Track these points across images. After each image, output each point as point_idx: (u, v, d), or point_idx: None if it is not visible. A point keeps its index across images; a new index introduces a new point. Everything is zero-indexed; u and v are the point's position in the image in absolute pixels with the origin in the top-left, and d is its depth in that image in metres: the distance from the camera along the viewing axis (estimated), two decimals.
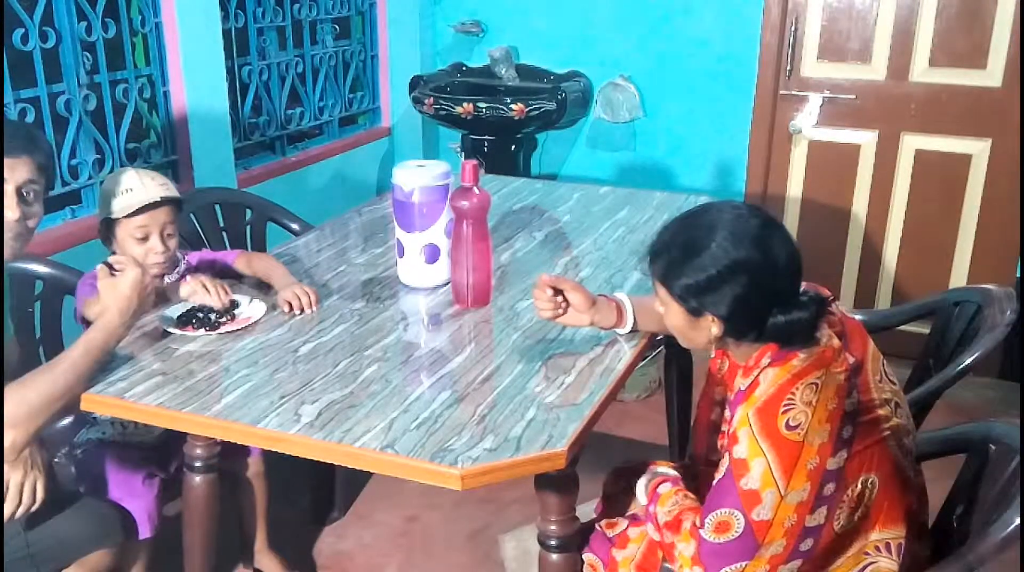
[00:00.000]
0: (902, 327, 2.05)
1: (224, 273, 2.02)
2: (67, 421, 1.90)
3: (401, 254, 1.99)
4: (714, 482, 1.34)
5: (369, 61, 3.88)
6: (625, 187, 2.94)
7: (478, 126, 3.51)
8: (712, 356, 1.56)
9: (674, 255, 1.35)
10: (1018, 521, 1.23)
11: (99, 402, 1.54)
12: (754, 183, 3.51)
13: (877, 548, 1.37)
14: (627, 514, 1.66)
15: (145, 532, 1.83)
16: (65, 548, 1.66)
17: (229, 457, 1.90)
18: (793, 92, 3.37)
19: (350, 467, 1.42)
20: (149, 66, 2.82)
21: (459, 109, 3.45)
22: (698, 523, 1.34)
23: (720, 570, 1.31)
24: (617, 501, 1.72)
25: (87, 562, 1.70)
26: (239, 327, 1.78)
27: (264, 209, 2.71)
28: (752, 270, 1.30)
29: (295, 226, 2.65)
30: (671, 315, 1.41)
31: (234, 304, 1.85)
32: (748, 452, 1.28)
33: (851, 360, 1.34)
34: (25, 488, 1.51)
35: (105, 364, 1.58)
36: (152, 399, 1.51)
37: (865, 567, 1.37)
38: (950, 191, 3.25)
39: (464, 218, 1.84)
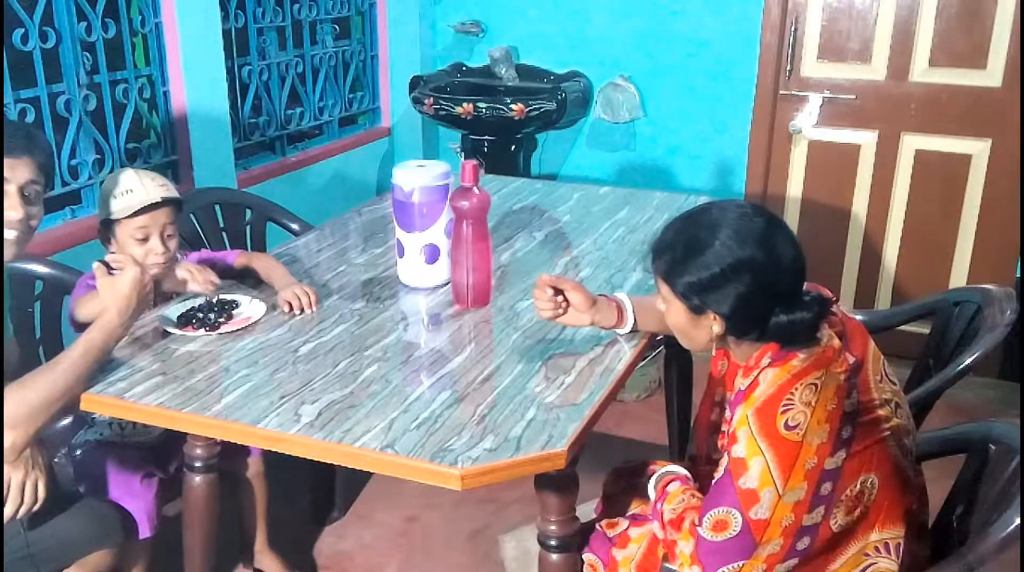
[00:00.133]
0: (902, 327, 2.05)
1: (224, 273, 2.01)
2: (66, 422, 1.90)
3: (401, 254, 1.99)
4: (713, 481, 1.34)
5: (369, 61, 3.88)
6: (625, 187, 2.95)
7: (478, 126, 3.51)
8: (712, 356, 1.56)
9: (678, 253, 1.35)
10: (1018, 521, 1.23)
11: (99, 402, 1.54)
12: (754, 183, 3.51)
13: (877, 549, 1.37)
14: (627, 514, 1.66)
15: (145, 532, 1.83)
16: (65, 548, 1.66)
17: (229, 457, 1.90)
18: (793, 92, 3.36)
19: (350, 467, 1.42)
20: (149, 66, 2.82)
21: (459, 109, 3.44)
22: (697, 521, 1.34)
23: (717, 568, 1.31)
24: (617, 501, 1.72)
25: (87, 562, 1.70)
26: (239, 327, 1.78)
27: (264, 209, 2.71)
28: (756, 269, 1.30)
29: (295, 226, 2.65)
30: (673, 313, 1.41)
31: (234, 304, 1.85)
32: (747, 451, 1.28)
33: (851, 360, 1.34)
34: (26, 488, 1.51)
35: (104, 364, 1.58)
36: (152, 399, 1.51)
37: (865, 569, 1.37)
38: (950, 191, 3.25)
39: (464, 218, 1.84)
